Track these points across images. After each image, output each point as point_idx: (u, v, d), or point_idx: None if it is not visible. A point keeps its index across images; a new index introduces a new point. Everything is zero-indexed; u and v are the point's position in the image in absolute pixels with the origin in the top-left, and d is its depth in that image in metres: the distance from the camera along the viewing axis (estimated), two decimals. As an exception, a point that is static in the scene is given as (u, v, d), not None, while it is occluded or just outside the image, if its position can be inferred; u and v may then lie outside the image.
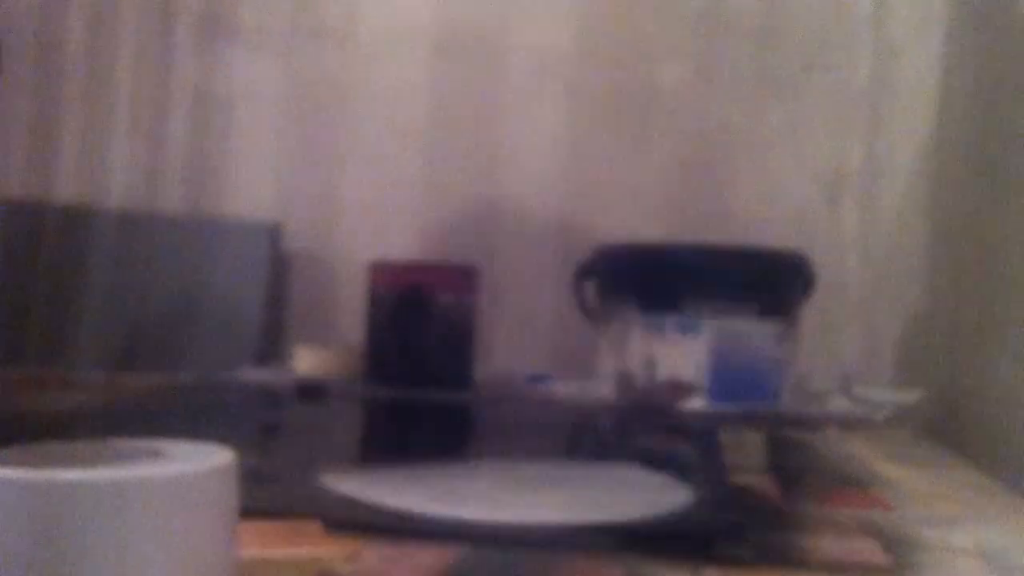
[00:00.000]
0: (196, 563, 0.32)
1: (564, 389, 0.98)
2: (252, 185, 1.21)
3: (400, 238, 1.18)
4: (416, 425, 0.84)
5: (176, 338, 1.11)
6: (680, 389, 0.88)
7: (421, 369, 0.95)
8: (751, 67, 1.14)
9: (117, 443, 0.36)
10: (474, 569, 0.42)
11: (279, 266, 1.17)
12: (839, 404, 0.92)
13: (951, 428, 0.89)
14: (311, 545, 0.42)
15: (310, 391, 0.94)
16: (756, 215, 1.12)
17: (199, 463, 0.33)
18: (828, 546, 0.47)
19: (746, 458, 0.70)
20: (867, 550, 0.47)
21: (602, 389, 0.93)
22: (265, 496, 0.51)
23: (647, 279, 0.92)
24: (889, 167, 1.11)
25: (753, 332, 0.89)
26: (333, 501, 0.51)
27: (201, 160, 1.22)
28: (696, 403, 0.87)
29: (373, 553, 0.42)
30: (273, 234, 1.16)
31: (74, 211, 1.13)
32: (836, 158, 1.12)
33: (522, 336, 1.15)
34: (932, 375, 0.98)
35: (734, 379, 0.88)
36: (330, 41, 1.21)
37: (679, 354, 0.88)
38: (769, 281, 0.92)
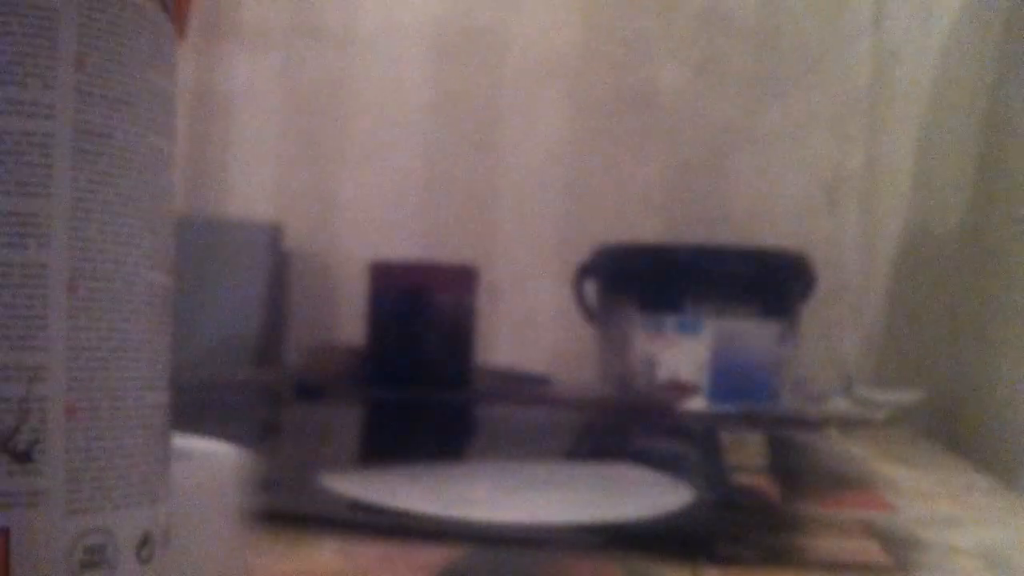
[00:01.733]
0: (207, 560, 0.32)
1: (564, 389, 0.98)
2: (252, 185, 1.21)
3: (400, 238, 1.18)
4: (416, 425, 0.84)
5: (175, 338, 1.11)
6: (680, 389, 0.88)
7: (421, 369, 0.95)
8: (751, 67, 1.14)
9: None
10: (474, 569, 0.41)
11: (279, 266, 1.17)
12: (839, 404, 0.92)
13: (951, 428, 0.89)
14: (312, 546, 0.42)
15: (310, 391, 0.94)
16: (756, 215, 1.12)
17: (210, 460, 0.33)
18: (828, 546, 0.47)
19: (746, 458, 0.70)
20: (867, 550, 0.47)
21: (602, 389, 0.92)
22: (265, 496, 0.51)
23: (647, 279, 0.92)
24: (889, 167, 1.11)
25: (753, 332, 0.89)
26: (333, 501, 0.51)
27: (201, 160, 1.22)
28: (696, 403, 0.87)
29: (373, 553, 0.42)
30: (273, 234, 1.16)
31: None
32: (836, 158, 1.12)
33: (522, 336, 1.15)
34: (932, 375, 0.98)
35: (734, 379, 0.88)
36: (330, 41, 1.21)
37: (679, 354, 0.88)
38: (769, 281, 0.92)
